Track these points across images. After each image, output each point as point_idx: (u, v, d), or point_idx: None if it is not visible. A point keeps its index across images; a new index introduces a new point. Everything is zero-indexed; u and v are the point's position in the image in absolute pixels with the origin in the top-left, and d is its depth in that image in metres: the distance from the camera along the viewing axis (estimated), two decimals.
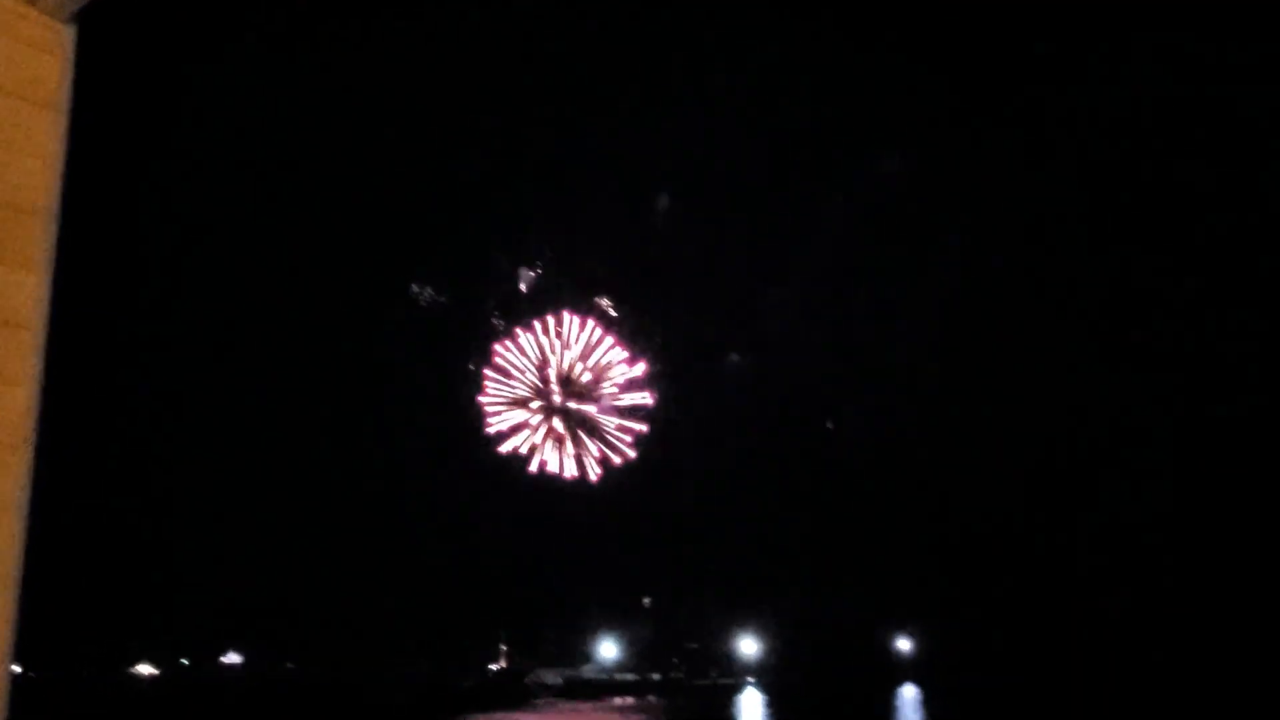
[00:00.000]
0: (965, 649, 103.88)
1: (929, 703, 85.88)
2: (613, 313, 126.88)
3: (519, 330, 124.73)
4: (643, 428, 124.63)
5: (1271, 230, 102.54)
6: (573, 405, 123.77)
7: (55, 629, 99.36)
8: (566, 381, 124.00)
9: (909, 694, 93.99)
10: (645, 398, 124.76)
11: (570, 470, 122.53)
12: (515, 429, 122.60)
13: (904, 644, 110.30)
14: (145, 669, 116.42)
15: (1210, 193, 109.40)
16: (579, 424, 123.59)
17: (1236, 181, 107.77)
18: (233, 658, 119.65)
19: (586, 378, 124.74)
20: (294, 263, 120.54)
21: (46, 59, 2.57)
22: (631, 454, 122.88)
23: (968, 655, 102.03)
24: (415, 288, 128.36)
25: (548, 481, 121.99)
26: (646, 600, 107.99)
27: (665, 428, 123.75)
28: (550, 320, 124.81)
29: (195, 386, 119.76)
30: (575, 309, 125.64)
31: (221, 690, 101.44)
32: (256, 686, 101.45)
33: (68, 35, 2.67)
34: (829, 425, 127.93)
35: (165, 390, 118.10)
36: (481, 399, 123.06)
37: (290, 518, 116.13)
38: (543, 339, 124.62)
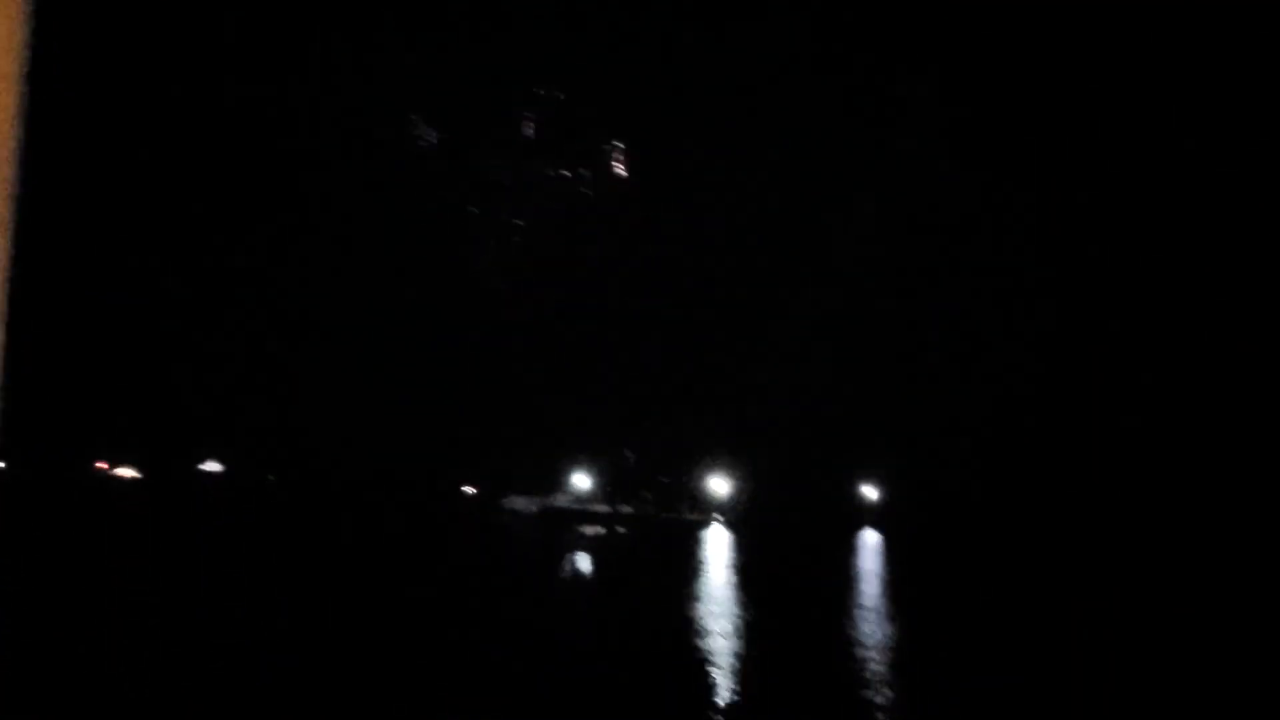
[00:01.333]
0: (924, 498, 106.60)
1: (888, 546, 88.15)
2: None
3: None
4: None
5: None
6: None
7: (42, 427, 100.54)
8: None
9: (870, 538, 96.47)
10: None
11: None
12: None
13: (869, 491, 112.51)
14: (127, 471, 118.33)
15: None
16: None
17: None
18: (213, 466, 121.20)
19: None
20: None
21: None
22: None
23: (926, 504, 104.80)
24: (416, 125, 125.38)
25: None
26: (629, 454, 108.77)
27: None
28: None
29: (193, 192, 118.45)
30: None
31: (198, 495, 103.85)
32: (232, 494, 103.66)
33: None
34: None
35: (156, 190, 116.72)
36: None
37: (274, 335, 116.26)
38: None
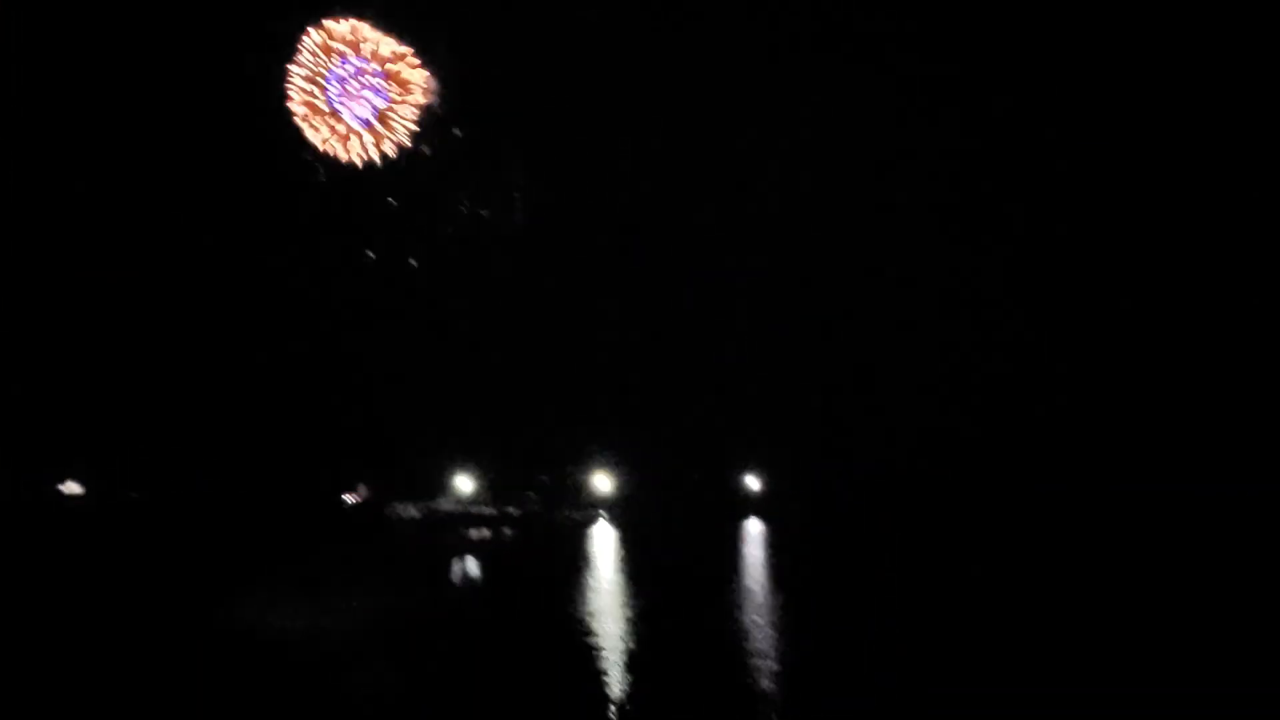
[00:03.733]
0: (804, 487, 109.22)
1: (770, 533, 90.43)
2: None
3: None
4: None
5: None
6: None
7: None
8: None
9: (754, 527, 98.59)
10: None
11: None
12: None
13: (751, 482, 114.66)
14: (71, 487, 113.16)
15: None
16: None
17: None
18: (72, 487, 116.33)
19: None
20: None
21: None
22: None
23: (806, 492, 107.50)
24: None
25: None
26: (545, 477, 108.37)
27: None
28: None
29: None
30: None
31: (62, 518, 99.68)
32: (98, 515, 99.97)
33: None
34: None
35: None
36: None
37: (123, 337, 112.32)
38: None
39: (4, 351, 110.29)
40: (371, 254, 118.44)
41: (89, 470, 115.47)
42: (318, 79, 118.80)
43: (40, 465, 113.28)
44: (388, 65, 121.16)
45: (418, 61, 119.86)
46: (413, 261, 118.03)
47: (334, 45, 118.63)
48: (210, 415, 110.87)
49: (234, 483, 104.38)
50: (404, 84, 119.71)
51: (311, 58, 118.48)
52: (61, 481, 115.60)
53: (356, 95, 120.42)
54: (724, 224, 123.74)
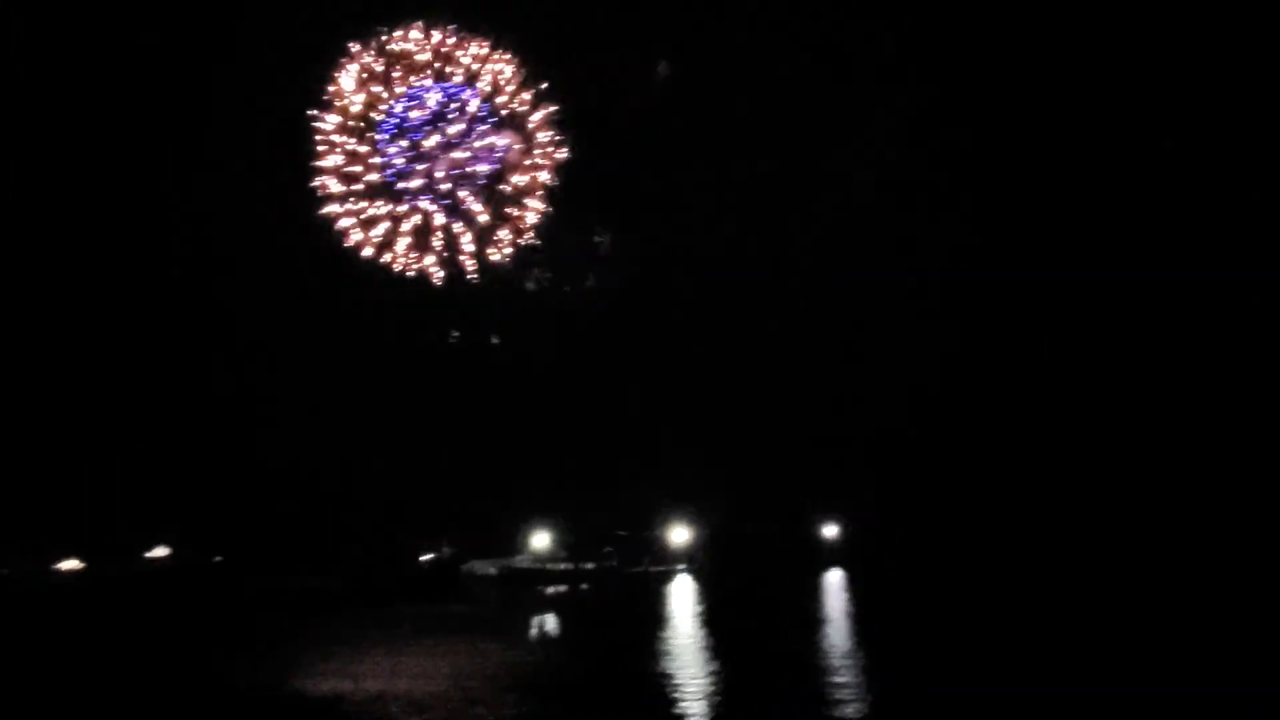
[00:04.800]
0: (886, 535, 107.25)
1: (853, 583, 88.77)
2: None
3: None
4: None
5: None
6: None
7: None
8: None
9: (834, 577, 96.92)
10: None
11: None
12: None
13: (829, 531, 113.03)
14: (70, 564, 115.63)
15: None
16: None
17: None
18: (160, 551, 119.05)
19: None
20: None
21: None
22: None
23: (889, 540, 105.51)
24: None
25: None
26: (622, 532, 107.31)
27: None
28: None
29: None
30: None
31: (148, 581, 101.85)
32: (183, 578, 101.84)
33: None
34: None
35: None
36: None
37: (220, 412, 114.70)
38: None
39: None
40: (456, 334, 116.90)
41: (178, 536, 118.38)
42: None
43: (132, 532, 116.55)
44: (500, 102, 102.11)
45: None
46: (495, 339, 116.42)
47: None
48: (290, 479, 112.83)
49: (313, 544, 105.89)
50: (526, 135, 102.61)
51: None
52: (150, 548, 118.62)
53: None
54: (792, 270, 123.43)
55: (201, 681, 37.07)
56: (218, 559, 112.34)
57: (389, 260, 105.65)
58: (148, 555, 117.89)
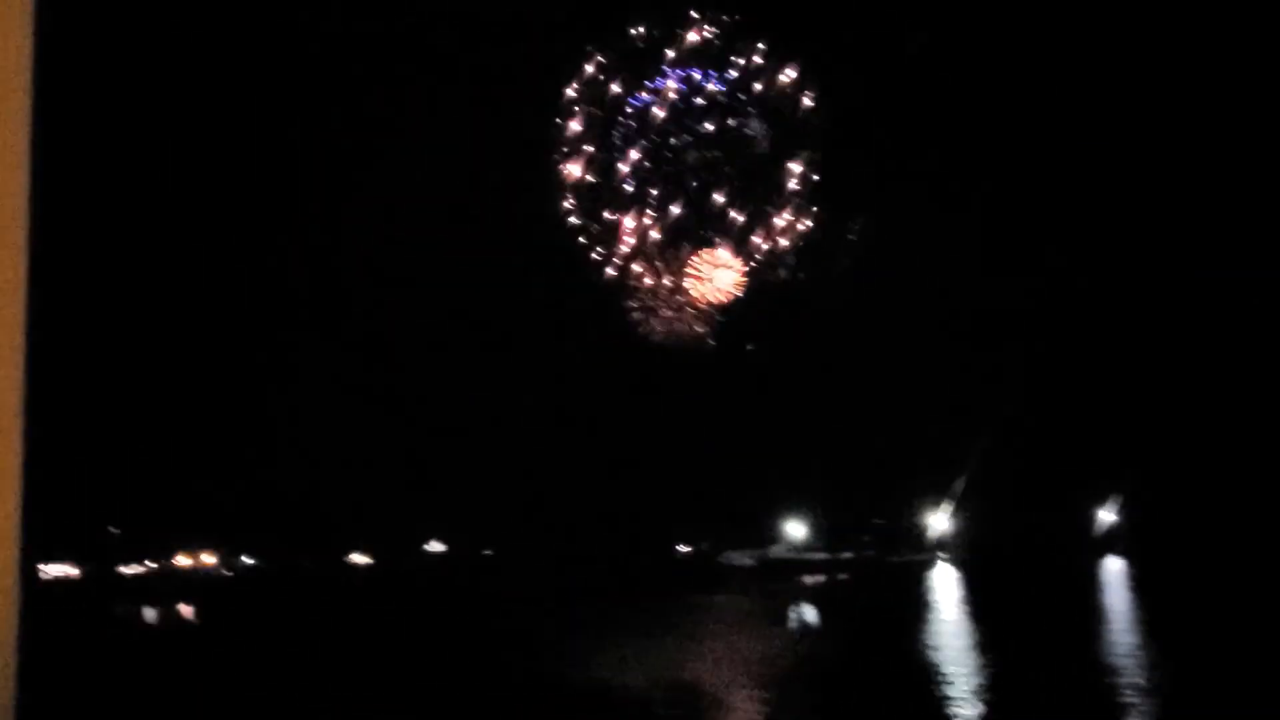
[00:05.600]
0: (1174, 519, 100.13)
1: (1136, 575, 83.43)
2: None
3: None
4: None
5: None
6: None
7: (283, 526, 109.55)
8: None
9: (1114, 566, 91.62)
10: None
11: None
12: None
13: (1107, 515, 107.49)
14: (359, 558, 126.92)
15: None
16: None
17: None
18: (436, 546, 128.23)
19: None
20: None
21: None
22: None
23: (1177, 526, 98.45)
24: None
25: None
26: (879, 520, 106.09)
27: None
28: None
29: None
30: None
31: (424, 573, 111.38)
32: (455, 570, 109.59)
33: None
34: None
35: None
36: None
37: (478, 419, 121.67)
38: None
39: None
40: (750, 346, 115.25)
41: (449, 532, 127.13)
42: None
43: (411, 524, 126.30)
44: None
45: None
46: (749, 346, 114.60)
47: None
48: (552, 478, 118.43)
49: (575, 537, 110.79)
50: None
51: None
52: (426, 543, 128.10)
53: None
54: None
55: (482, 671, 39.46)
56: (487, 552, 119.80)
57: (641, 271, 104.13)
58: (426, 549, 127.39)
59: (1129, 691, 30.55)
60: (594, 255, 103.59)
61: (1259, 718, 25.88)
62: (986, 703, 29.79)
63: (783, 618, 61.89)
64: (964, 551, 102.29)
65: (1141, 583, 76.88)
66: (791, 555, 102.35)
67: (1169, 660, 37.28)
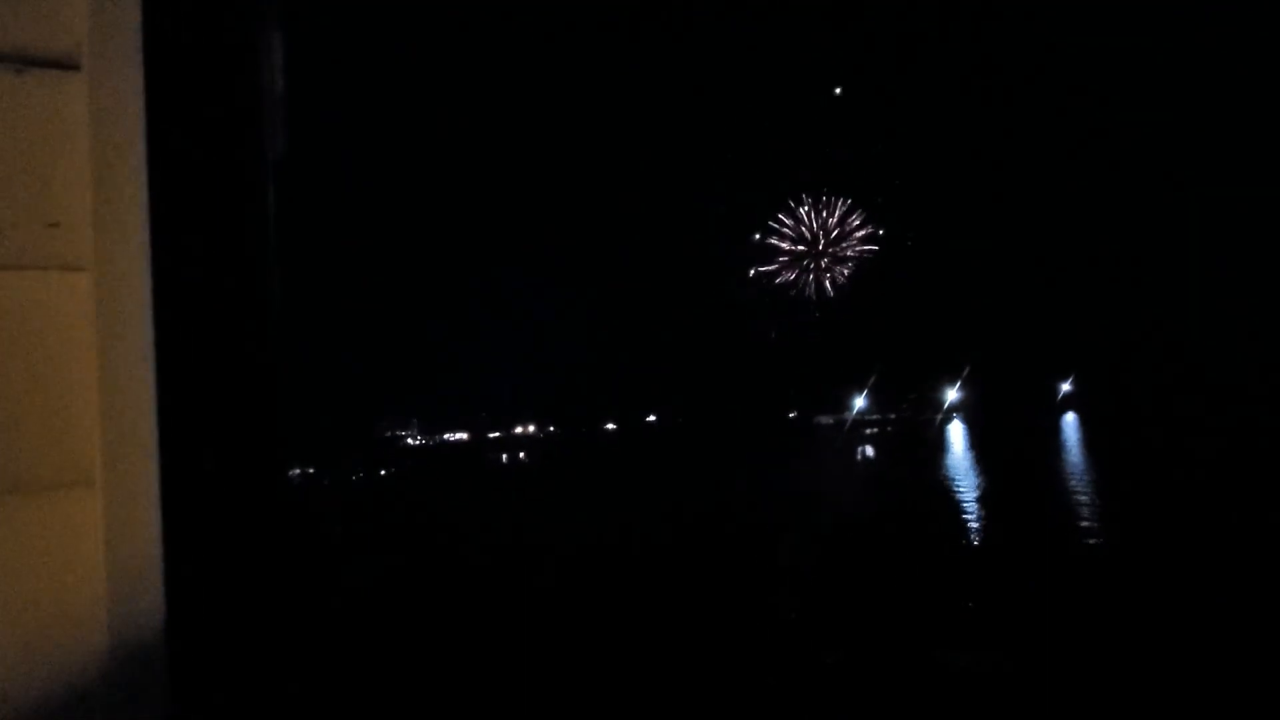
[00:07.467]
0: (1116, 387, 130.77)
1: (1085, 423, 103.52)
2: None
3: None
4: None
5: None
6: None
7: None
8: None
9: (1070, 418, 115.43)
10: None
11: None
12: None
13: (1065, 385, 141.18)
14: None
15: None
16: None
17: None
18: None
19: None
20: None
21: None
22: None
23: (1117, 391, 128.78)
24: None
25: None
26: (913, 394, 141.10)
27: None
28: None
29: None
30: None
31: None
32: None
33: None
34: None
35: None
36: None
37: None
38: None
39: None
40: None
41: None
42: None
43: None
44: None
45: None
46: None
47: None
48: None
49: (711, 410, 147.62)
50: None
51: None
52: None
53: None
54: None
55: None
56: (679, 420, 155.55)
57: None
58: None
59: (1080, 490, 36.45)
60: None
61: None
62: (981, 497, 36.43)
63: (854, 451, 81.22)
64: (968, 413, 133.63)
65: (1088, 431, 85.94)
66: (858, 417, 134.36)
67: (1108, 474, 43.90)
